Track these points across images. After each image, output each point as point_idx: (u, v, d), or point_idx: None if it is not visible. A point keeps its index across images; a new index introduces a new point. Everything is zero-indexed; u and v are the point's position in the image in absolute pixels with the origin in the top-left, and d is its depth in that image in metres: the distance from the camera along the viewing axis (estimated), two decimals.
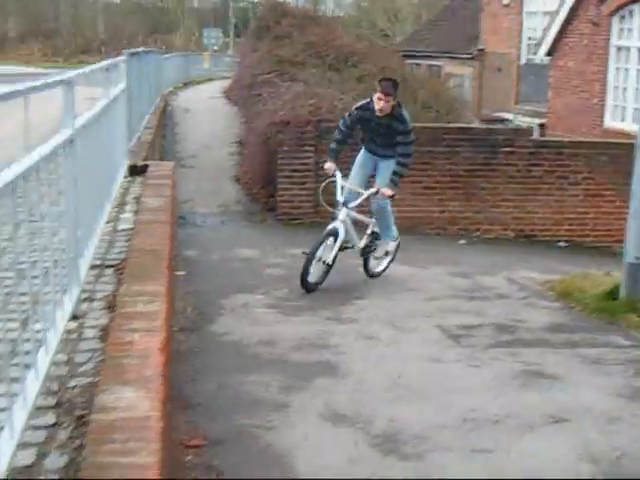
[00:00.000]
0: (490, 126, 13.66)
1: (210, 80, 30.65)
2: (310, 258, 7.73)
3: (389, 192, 8.15)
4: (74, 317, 4.78)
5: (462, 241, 11.93)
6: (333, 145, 8.51)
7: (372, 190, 8.15)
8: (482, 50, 25.66)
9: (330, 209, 8.36)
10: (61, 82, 4.67)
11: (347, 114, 8.60)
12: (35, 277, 3.58)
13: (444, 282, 8.95)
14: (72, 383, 3.96)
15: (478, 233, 12.35)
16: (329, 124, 11.55)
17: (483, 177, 12.40)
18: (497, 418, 4.96)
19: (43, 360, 3.31)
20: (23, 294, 3.36)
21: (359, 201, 8.17)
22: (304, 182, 11.89)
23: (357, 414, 4.92)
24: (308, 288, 7.79)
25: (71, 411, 3.66)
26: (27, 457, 3.21)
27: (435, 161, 12.26)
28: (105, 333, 4.51)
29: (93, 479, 2.90)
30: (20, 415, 2.82)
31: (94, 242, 5.49)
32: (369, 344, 6.37)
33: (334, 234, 7.94)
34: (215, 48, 40.41)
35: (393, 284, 8.57)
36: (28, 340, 3.40)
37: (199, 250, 9.80)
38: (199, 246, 10.00)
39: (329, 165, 8.24)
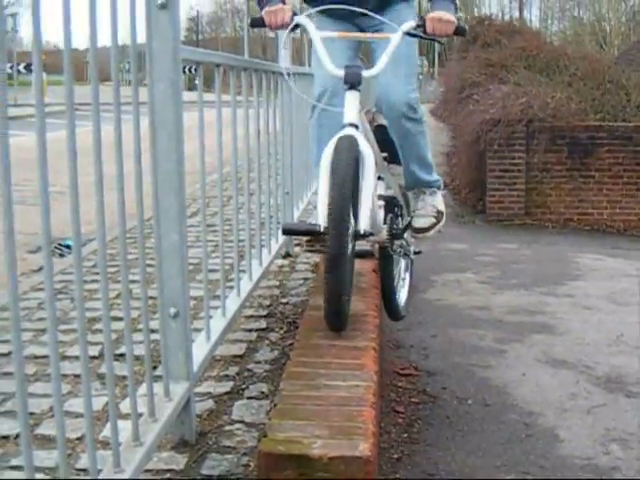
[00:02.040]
0: None
1: None
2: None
3: (450, 17, 3.43)
4: (287, 255, 4.82)
5: None
6: None
7: (407, 25, 3.46)
8: None
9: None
10: None
11: None
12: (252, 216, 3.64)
13: None
14: (284, 300, 3.99)
15: None
16: (541, 123, 11.32)
17: None
18: None
19: (246, 284, 3.33)
20: (242, 230, 3.43)
21: (385, 59, 3.39)
22: (514, 182, 11.64)
23: (577, 361, 4.71)
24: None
25: (283, 320, 3.69)
26: (237, 350, 3.25)
27: None
28: (316, 267, 4.53)
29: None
30: (218, 324, 2.84)
31: (306, 197, 5.51)
32: (587, 312, 6.10)
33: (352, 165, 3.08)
34: (420, 77, 40.51)
35: (609, 269, 8.21)
36: (243, 271, 3.45)
37: None
38: None
39: (275, 8, 3.48)
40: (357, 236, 3.26)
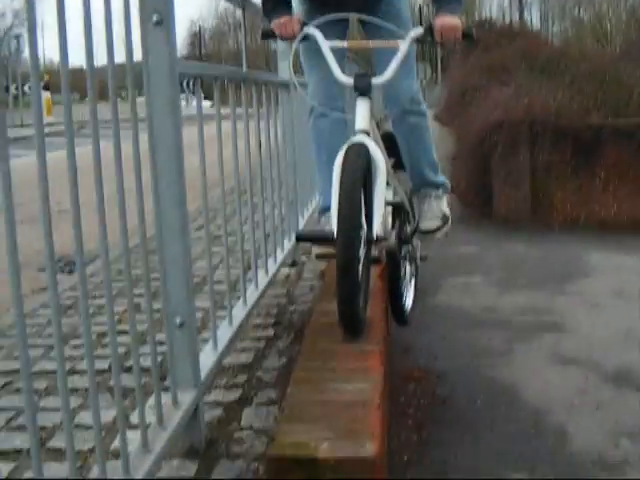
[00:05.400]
0: None
1: None
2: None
3: (455, 21, 3.55)
4: (294, 263, 4.86)
5: None
6: None
7: (416, 32, 3.57)
8: None
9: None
10: None
11: None
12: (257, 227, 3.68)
13: None
14: (291, 308, 4.03)
15: None
16: (544, 123, 11.32)
17: None
18: None
19: (252, 293, 3.38)
20: (248, 241, 3.47)
21: (395, 66, 3.49)
22: (520, 184, 11.64)
23: (586, 358, 4.72)
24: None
25: (290, 327, 3.73)
26: (246, 358, 3.29)
27: None
28: (322, 274, 4.57)
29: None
30: (225, 333, 2.90)
31: (311, 205, 5.55)
32: (595, 310, 6.11)
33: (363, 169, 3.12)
34: (424, 82, 40.54)
35: (617, 266, 8.21)
36: (250, 281, 3.49)
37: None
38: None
39: (284, 20, 3.63)
40: (370, 241, 3.31)
